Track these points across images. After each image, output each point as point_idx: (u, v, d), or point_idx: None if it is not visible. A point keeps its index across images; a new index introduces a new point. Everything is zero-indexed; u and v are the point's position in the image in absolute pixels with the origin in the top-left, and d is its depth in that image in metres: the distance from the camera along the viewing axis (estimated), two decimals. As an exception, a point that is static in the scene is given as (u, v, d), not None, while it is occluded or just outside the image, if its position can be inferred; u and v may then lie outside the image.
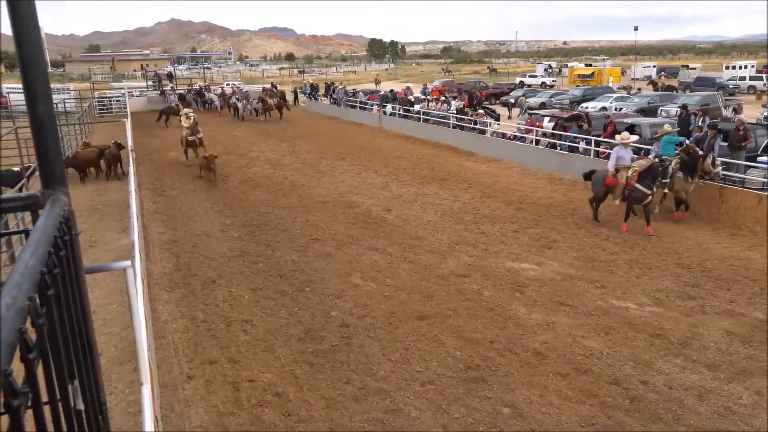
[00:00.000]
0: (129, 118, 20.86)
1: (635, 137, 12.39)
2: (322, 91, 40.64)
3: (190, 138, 19.53)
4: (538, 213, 13.23)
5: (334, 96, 36.93)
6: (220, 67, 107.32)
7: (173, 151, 22.46)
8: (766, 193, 12.26)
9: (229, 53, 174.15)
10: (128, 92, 38.19)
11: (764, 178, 12.97)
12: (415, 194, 15.16)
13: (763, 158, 13.96)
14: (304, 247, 11.13)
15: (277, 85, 44.41)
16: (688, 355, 7.02)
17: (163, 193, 16.06)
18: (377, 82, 40.56)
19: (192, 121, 19.81)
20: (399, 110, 28.38)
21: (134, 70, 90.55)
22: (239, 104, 33.16)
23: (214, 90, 40.95)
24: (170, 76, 46.98)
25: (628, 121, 18.88)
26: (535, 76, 60.18)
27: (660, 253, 10.49)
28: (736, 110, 28.10)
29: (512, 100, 33.39)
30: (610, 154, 15.88)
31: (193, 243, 11.56)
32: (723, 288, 8.94)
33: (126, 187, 13.77)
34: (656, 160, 12.06)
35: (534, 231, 11.91)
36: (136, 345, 4.45)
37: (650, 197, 11.56)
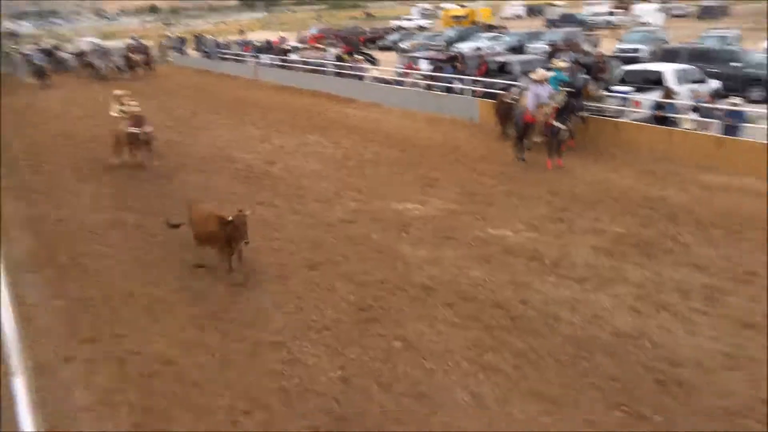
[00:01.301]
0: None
1: (551, 74, 12.66)
2: (191, 44, 38.25)
3: (131, 131, 12.99)
4: (420, 154, 13.51)
5: (205, 49, 34.92)
6: (72, 22, 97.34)
7: (33, 120, 20.32)
8: (622, 120, 13.34)
9: (81, 7, 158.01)
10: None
11: (620, 106, 14.06)
12: (297, 145, 14.90)
13: (619, 87, 15.06)
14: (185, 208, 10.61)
15: (140, 40, 41.16)
16: (560, 272, 7.62)
17: (18, 167, 14.53)
18: (241, 32, 38.29)
19: (133, 106, 13.77)
20: (275, 60, 27.45)
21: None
22: (97, 62, 30.35)
23: (65, 48, 37.14)
24: (13, 35, 41.96)
25: (500, 59, 19.60)
26: (411, 19, 60.34)
27: (533, 183, 11.14)
28: (596, 44, 29.99)
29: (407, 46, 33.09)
30: (486, 92, 16.53)
31: (57, 217, 10.60)
32: (589, 209, 9.71)
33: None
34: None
35: (417, 171, 12.18)
36: (1, 335, 4.06)
37: (563, 131, 11.92)
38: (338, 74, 22.80)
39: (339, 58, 23.83)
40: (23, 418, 3.33)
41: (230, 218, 7.40)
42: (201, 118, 18.61)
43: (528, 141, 12.41)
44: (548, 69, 13.33)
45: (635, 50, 25.15)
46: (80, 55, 34.16)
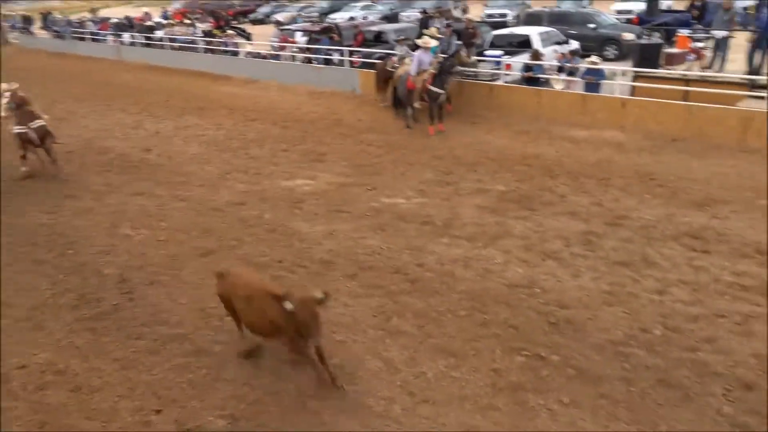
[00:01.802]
0: None
1: (435, 42, 12.81)
2: (38, 23, 34.67)
3: (18, 131, 10.54)
4: (304, 129, 13.37)
5: (55, 28, 31.80)
6: None
7: None
8: (495, 83, 14.00)
9: None
10: None
11: (493, 69, 14.73)
12: (174, 128, 14.16)
13: (490, 51, 15.75)
14: (56, 206, 9.79)
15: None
16: (452, 233, 7.97)
17: None
18: (93, 10, 34.82)
19: (11, 101, 10.88)
20: (139, 39, 25.64)
21: None
22: None
23: None
24: None
25: (376, 29, 19.71)
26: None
27: (418, 149, 11.45)
28: (465, 10, 30.97)
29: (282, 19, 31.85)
30: (363, 62, 16.58)
31: None
32: (471, 171, 10.17)
33: None
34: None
35: (303, 147, 12.07)
36: None
37: (442, 95, 12.19)
38: (211, 51, 21.79)
39: (209, 34, 22.75)
40: None
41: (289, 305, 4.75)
42: (62, 107, 17.01)
43: (411, 108, 12.69)
44: (422, 37, 13.62)
45: (503, 15, 26.37)
46: None
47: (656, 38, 13.68)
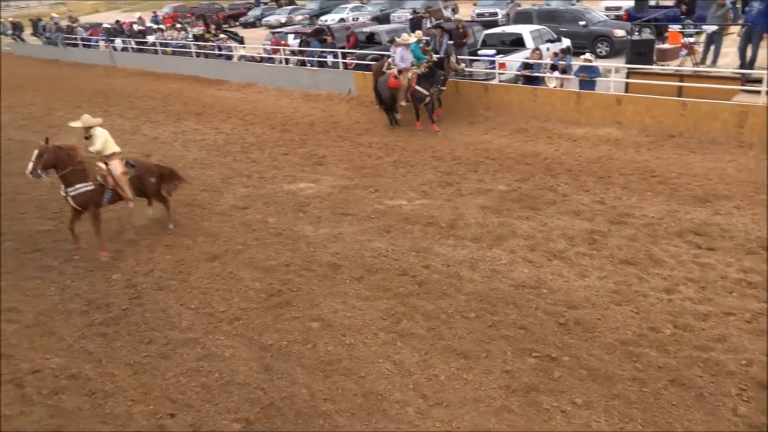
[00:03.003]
0: None
1: (414, 38, 12.90)
2: (28, 30, 34.44)
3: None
4: (303, 132, 13.41)
5: (47, 35, 31.62)
6: None
7: None
8: (491, 82, 14.08)
9: None
10: None
11: (487, 68, 14.81)
12: (173, 133, 14.17)
13: (483, 51, 15.84)
14: (58, 213, 9.81)
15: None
16: (456, 234, 8.03)
17: None
18: (73, 20, 33.46)
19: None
20: (131, 44, 25.57)
21: None
22: None
23: None
24: None
25: (368, 30, 19.75)
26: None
27: (417, 150, 11.52)
28: (454, 10, 31.04)
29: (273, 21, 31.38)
30: (357, 64, 16.64)
31: None
32: (472, 171, 10.24)
33: None
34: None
35: (303, 150, 12.11)
36: None
37: (428, 97, 12.30)
38: (204, 55, 21.76)
39: (201, 38, 22.72)
40: None
41: None
42: (59, 115, 16.96)
43: (396, 105, 12.78)
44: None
45: (493, 14, 26.46)
46: None
47: (647, 34, 13.79)
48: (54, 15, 36.66)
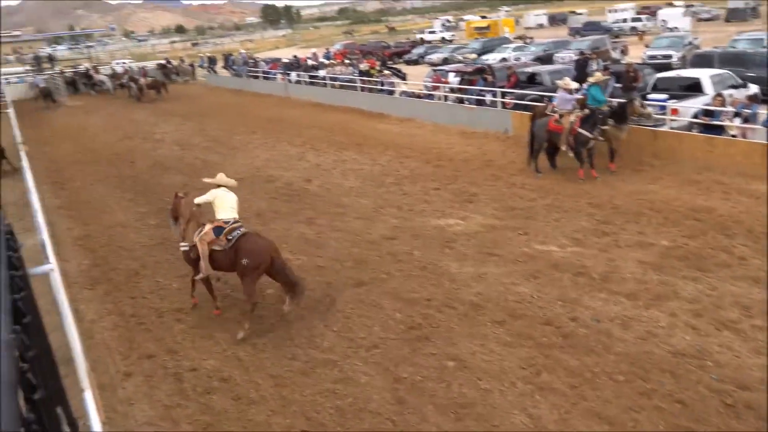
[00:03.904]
0: (11, 108, 19.14)
1: (576, 84, 12.68)
2: (220, 63, 39.00)
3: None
4: (456, 168, 13.51)
5: (234, 67, 35.55)
6: (105, 45, 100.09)
7: (67, 141, 20.94)
8: (660, 129, 13.16)
9: (112, 29, 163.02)
10: (5, 79, 34.95)
11: (657, 114, 13.87)
12: (334, 162, 15.04)
13: (653, 95, 14.89)
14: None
15: (172, 61, 42.14)
16: (610, 288, 7.51)
17: (65, 186, 15.00)
18: (248, 50, 37.42)
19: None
20: (304, 77, 27.81)
21: (6, 55, 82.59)
22: (108, 82, 32.53)
23: (103, 70, 38.32)
24: (51, 59, 43.30)
25: (529, 70, 19.53)
26: (434, 32, 60.64)
27: (572, 195, 11.05)
28: (623, 51, 29.71)
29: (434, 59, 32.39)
30: (516, 104, 16.51)
31: (107, 236, 10.93)
32: (632, 221, 9.57)
33: (21, 184, 12.76)
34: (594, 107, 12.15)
35: (454, 186, 12.18)
36: (71, 350, 4.21)
37: (592, 141, 11.86)
38: (368, 89, 22.97)
39: (367, 74, 24.04)
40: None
41: None
42: (238, 138, 18.94)
43: (555, 151, 12.36)
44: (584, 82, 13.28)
45: (667, 56, 24.88)
46: (115, 76, 35.29)
47: None
48: (242, 51, 41.28)
